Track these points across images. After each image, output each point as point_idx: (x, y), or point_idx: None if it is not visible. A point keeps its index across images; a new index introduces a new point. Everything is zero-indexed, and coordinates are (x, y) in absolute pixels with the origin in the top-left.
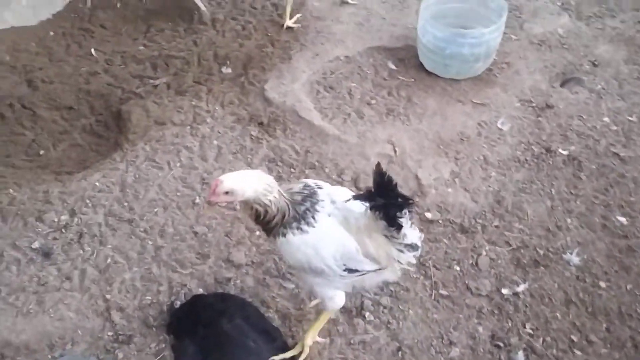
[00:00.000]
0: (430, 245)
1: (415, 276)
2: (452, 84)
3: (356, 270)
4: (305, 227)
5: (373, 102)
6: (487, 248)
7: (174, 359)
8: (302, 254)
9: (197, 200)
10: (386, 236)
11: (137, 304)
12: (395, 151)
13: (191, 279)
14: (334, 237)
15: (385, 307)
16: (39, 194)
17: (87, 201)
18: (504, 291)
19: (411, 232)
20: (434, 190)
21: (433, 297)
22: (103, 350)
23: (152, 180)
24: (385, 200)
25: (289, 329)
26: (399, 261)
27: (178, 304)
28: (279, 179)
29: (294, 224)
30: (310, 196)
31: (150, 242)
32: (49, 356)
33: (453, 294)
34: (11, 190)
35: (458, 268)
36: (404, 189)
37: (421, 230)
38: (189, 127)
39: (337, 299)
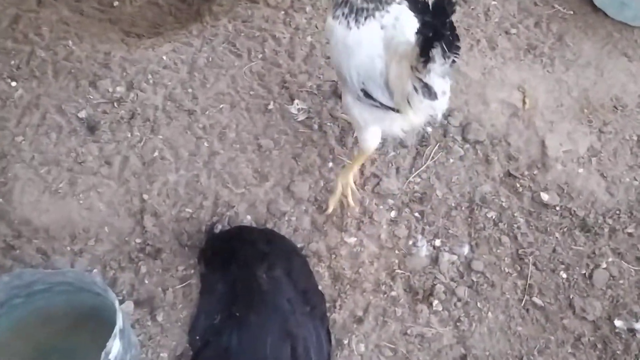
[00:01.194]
0: (536, 235)
1: (507, 270)
2: (623, 30)
3: (371, 98)
4: (352, 23)
5: (513, 31)
6: (609, 259)
7: (200, 290)
8: (335, 51)
9: (271, 106)
10: (412, 67)
11: (174, 214)
12: (524, 102)
13: (241, 201)
14: (367, 50)
15: (459, 300)
16: (100, 55)
17: (149, 76)
18: (617, 323)
19: (439, 80)
20: (561, 166)
21: (523, 304)
22: (126, 257)
23: (225, 68)
24: (433, 21)
25: (338, 294)
26: (408, 101)
27: (219, 228)
28: None
29: (345, 13)
30: (379, 1)
31: (206, 144)
32: (68, 248)
33: (550, 307)
34: (70, 43)
35: (565, 275)
36: (521, 155)
37: (529, 214)
38: (283, 13)
39: (370, 138)
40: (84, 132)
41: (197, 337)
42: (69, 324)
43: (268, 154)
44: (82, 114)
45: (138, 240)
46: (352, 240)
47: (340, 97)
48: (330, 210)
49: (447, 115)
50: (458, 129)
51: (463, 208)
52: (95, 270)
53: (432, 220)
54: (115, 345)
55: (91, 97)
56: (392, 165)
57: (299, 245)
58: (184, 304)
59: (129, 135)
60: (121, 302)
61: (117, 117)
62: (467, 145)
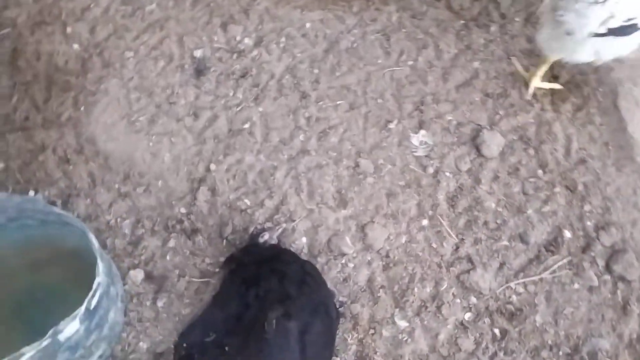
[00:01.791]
0: None
1: None
2: None
3: None
4: None
5: None
6: None
7: (214, 295)
8: None
9: (392, 126)
10: None
11: (230, 199)
12: None
13: (305, 218)
14: None
15: None
16: None
17: (282, 39)
18: None
19: None
20: None
21: None
22: (163, 222)
23: (365, 62)
24: None
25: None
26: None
27: (265, 238)
28: None
29: None
30: None
31: (301, 137)
32: (117, 186)
33: None
34: None
35: None
36: None
37: None
38: (461, 23)
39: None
40: (190, 73)
41: (184, 345)
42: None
43: (361, 178)
44: (198, 53)
45: (183, 210)
46: (403, 323)
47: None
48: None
49: (600, 227)
50: (605, 251)
51: (560, 354)
52: (127, 221)
53: (512, 349)
54: (72, 326)
55: (215, 39)
56: (497, 256)
57: (340, 299)
58: (192, 300)
59: (230, 95)
60: (134, 267)
61: (229, 70)
62: (607, 277)
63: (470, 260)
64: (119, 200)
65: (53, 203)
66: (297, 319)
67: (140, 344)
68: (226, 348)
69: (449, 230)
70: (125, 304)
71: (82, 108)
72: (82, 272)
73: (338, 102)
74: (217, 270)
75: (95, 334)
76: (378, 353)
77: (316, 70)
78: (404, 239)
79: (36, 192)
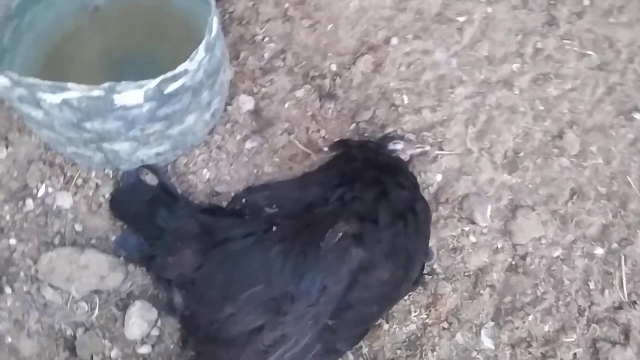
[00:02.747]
0: None
1: None
2: None
3: None
4: None
5: None
6: None
7: (307, 172)
8: None
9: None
10: None
11: (391, 85)
12: None
13: (456, 157)
14: None
15: None
16: None
17: None
18: None
19: None
20: None
21: None
22: (306, 69)
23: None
24: None
25: None
26: None
27: (397, 147)
28: None
29: None
30: None
31: (526, 72)
32: (286, 5)
33: None
34: None
35: None
36: None
37: None
38: None
39: None
40: None
41: (243, 201)
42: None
43: (554, 153)
44: None
45: (333, 68)
46: (488, 343)
47: None
48: None
49: None
50: None
51: None
52: (272, 45)
53: None
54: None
55: None
56: None
57: (433, 266)
58: (281, 161)
59: None
60: (249, 93)
61: None
62: None
63: (626, 333)
64: (279, 20)
65: None
66: (367, 251)
67: (205, 171)
68: (274, 228)
69: (624, 282)
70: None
71: None
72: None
73: (587, 52)
74: (325, 149)
75: (211, 81)
76: (435, 354)
77: (586, 2)
78: (557, 252)
79: None
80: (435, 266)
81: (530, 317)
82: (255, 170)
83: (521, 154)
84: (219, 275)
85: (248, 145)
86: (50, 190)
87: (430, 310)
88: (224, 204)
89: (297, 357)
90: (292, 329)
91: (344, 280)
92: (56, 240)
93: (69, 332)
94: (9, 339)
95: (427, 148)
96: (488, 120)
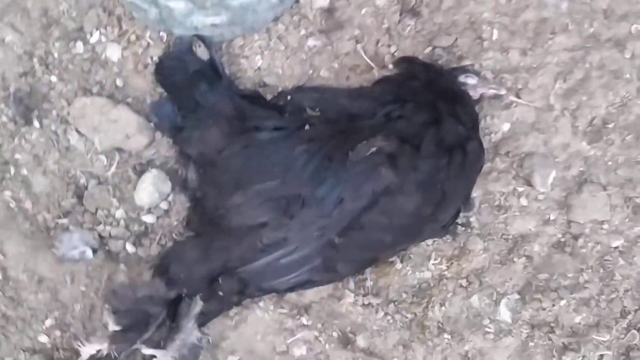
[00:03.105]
0: None
1: None
2: None
3: None
4: None
5: None
6: None
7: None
8: None
9: None
10: None
11: (484, 16)
12: None
13: (533, 110)
14: None
15: None
16: None
17: None
18: None
19: None
20: None
21: None
22: None
23: None
24: None
25: None
26: None
27: (468, 82)
28: None
29: None
30: None
31: None
32: None
33: None
34: None
35: None
36: None
37: None
38: None
39: None
40: None
41: (288, 97)
42: None
43: None
44: None
45: None
46: (505, 320)
47: None
48: None
49: None
50: None
51: None
52: None
53: None
54: None
55: None
56: None
57: (469, 217)
58: (339, 70)
59: None
60: None
61: None
62: None
63: None
64: None
65: None
66: (398, 175)
67: (258, 58)
68: (306, 126)
69: None
70: None
71: None
72: None
73: None
74: (390, 66)
75: None
76: (442, 309)
77: None
78: (617, 242)
79: None
80: (472, 219)
81: (563, 302)
82: (311, 71)
83: (610, 125)
84: (237, 161)
85: (311, 43)
86: (103, 39)
87: (452, 263)
88: (268, 97)
89: (293, 265)
90: (295, 235)
91: (364, 199)
92: (95, 89)
93: (82, 181)
94: (25, 171)
95: (503, 92)
96: (583, 80)
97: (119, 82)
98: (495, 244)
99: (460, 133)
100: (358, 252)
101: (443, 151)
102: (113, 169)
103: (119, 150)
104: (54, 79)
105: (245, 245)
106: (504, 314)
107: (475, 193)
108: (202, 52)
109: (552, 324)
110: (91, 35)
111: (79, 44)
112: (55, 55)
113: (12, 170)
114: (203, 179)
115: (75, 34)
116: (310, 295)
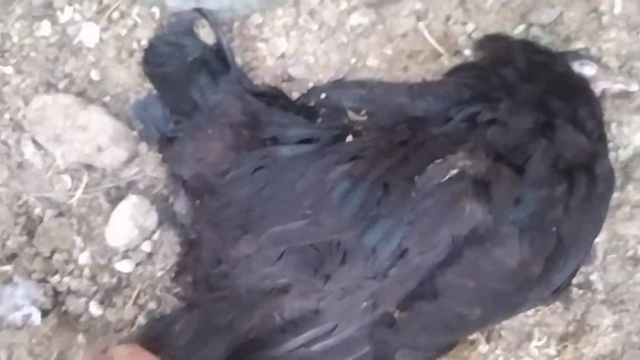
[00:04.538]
0: None
1: None
2: None
3: None
4: None
5: None
6: None
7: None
8: None
9: None
10: None
11: None
12: None
13: None
14: None
15: None
16: None
17: None
18: None
19: None
20: None
21: None
22: None
23: None
24: None
25: None
26: None
27: (584, 71)
28: None
29: None
30: None
31: None
32: None
33: None
34: None
35: None
36: None
37: None
38: None
39: None
40: None
41: (323, 96)
42: None
43: None
44: None
45: None
46: None
47: None
48: None
49: None
50: None
51: None
52: None
53: None
54: None
55: None
56: None
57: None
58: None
59: None
60: None
61: None
62: None
63: None
64: None
65: None
66: (491, 212)
67: (283, 41)
68: (348, 137)
69: None
70: None
71: None
72: None
73: None
74: (467, 51)
75: None
76: None
77: None
78: None
79: None
80: (594, 277)
81: None
82: (354, 60)
83: None
84: (246, 190)
85: (354, 20)
86: (77, 17)
87: (565, 347)
88: (295, 95)
89: (328, 354)
90: (332, 306)
91: (440, 250)
92: (62, 84)
93: (37, 210)
94: None
95: (635, 88)
96: None
97: (94, 75)
98: (631, 317)
99: (583, 147)
100: (429, 334)
101: (559, 175)
102: (79, 194)
103: (89, 168)
104: (9, 70)
105: (257, 321)
106: None
107: (599, 238)
108: (206, 35)
109: None
110: (62, 12)
111: (46, 23)
112: (15, 39)
113: None
114: (199, 215)
115: (41, 10)
116: None
